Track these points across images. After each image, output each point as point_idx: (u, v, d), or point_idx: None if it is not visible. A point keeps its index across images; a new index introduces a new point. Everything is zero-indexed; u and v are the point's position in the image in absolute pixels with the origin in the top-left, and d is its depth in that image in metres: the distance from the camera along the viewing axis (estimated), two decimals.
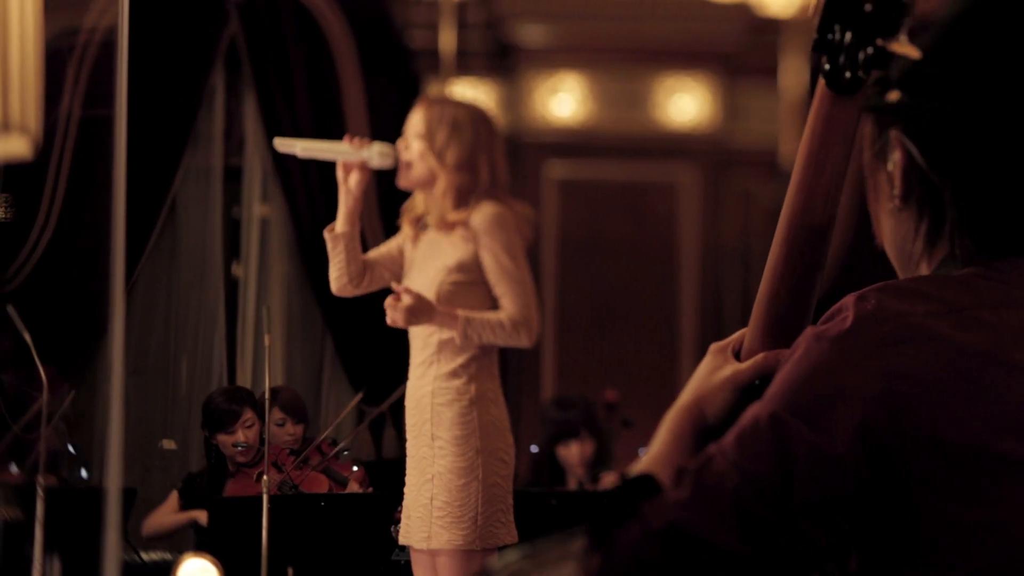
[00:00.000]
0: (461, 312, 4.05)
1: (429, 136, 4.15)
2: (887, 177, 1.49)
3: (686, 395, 1.51)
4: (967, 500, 1.33)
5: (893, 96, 1.46)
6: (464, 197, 4.14)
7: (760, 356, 1.50)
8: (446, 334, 4.10)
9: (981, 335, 1.36)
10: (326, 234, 4.21)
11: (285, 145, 4.22)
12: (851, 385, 1.33)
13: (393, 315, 4.04)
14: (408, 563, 4.44)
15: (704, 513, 1.31)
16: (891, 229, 1.51)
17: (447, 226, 4.13)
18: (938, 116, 1.44)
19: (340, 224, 4.18)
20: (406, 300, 4.01)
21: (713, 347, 1.55)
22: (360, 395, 5.86)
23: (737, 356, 1.56)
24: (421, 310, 4.02)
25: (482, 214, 4.09)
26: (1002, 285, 1.41)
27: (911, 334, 1.35)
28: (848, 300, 1.39)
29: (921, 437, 1.32)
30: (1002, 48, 1.43)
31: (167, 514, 5.56)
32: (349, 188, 4.16)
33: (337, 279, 4.22)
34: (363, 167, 4.14)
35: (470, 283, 4.12)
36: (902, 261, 1.52)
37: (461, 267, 4.11)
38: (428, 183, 4.18)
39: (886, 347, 1.35)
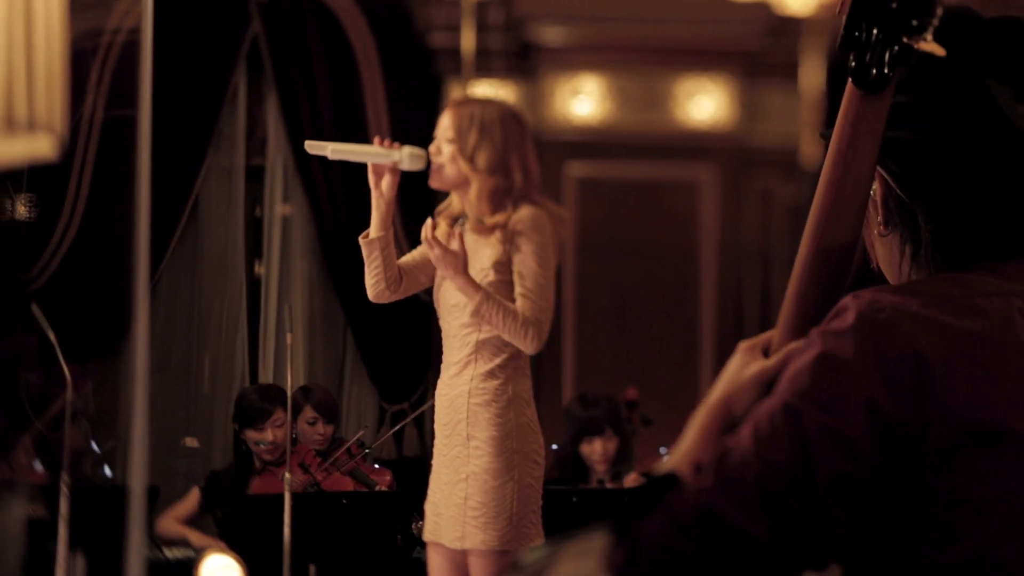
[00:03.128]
0: (482, 289, 4.03)
1: (459, 139, 4.13)
2: (872, 205, 1.58)
3: (715, 393, 1.53)
4: (971, 475, 1.37)
5: None
6: (500, 200, 4.13)
7: (784, 352, 1.51)
8: (484, 334, 4.10)
9: (976, 320, 1.42)
10: (361, 240, 4.16)
11: (316, 147, 4.09)
12: (856, 371, 1.38)
13: (439, 250, 3.99)
14: None
15: (728, 500, 1.34)
16: (880, 251, 1.60)
17: (485, 230, 4.13)
18: (909, 146, 1.51)
19: (374, 229, 4.13)
20: (454, 244, 3.99)
21: (742, 345, 1.57)
22: (361, 432, 5.87)
23: (767, 356, 1.57)
24: (457, 260, 3.99)
25: (519, 216, 4.08)
26: (988, 277, 1.48)
27: (908, 320, 1.40)
28: (846, 300, 1.44)
29: (926, 416, 1.37)
30: (968, 77, 1.50)
31: (173, 521, 5.58)
32: (381, 192, 4.10)
33: (374, 285, 4.18)
34: (394, 170, 4.08)
35: (507, 283, 4.11)
36: (893, 279, 1.60)
37: (497, 268, 4.10)
38: (461, 185, 4.17)
39: (886, 333, 1.39)
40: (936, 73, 1.50)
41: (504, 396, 4.08)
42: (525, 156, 4.16)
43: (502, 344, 4.09)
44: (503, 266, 4.10)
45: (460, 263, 3.99)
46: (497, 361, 4.09)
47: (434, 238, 3.98)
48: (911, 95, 1.51)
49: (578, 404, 5.74)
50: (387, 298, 4.22)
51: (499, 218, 4.11)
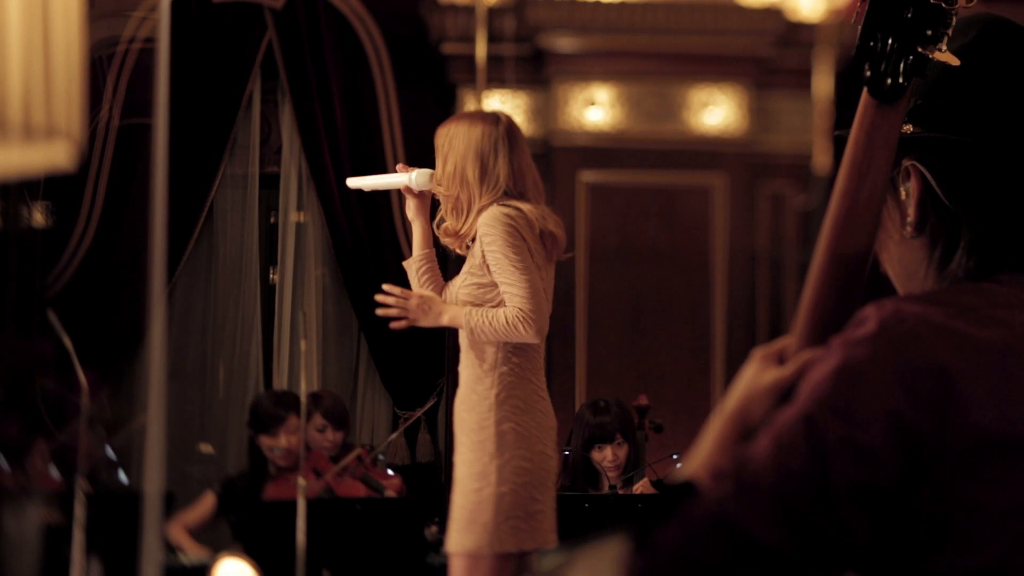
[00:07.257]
0: (465, 309, 4.06)
1: (439, 159, 4.20)
2: (898, 205, 1.57)
3: (730, 402, 1.52)
4: (990, 485, 1.37)
5: (907, 129, 1.53)
6: (459, 208, 4.15)
7: (800, 360, 1.50)
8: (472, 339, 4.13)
9: (998, 331, 1.42)
10: (404, 264, 4.32)
11: (355, 183, 4.35)
12: (877, 380, 1.37)
13: (412, 302, 4.09)
14: (443, 565, 4.48)
15: (745, 509, 1.35)
16: (899, 255, 1.59)
17: (449, 237, 4.18)
18: (956, 148, 1.52)
19: (414, 251, 4.28)
20: (414, 300, 4.08)
21: (757, 353, 1.56)
22: (377, 448, 5.92)
23: (782, 363, 1.56)
24: (428, 307, 4.08)
25: (482, 218, 4.08)
26: (1012, 289, 1.48)
27: (931, 331, 1.40)
28: (868, 309, 1.44)
29: (947, 427, 1.36)
30: (1015, 81, 1.52)
31: (177, 527, 5.61)
32: (411, 217, 4.27)
33: None
34: (418, 193, 4.22)
35: (485, 286, 4.12)
36: (908, 285, 1.59)
37: (472, 271, 4.12)
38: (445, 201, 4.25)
39: (908, 343, 1.39)
40: (987, 76, 1.51)
41: (486, 402, 4.07)
42: (496, 164, 4.11)
43: (484, 349, 4.10)
44: (478, 270, 4.11)
45: (430, 309, 4.08)
46: (485, 367, 4.10)
47: (403, 294, 4.09)
48: (963, 97, 1.52)
49: (589, 411, 5.73)
50: None
51: (457, 223, 4.15)
